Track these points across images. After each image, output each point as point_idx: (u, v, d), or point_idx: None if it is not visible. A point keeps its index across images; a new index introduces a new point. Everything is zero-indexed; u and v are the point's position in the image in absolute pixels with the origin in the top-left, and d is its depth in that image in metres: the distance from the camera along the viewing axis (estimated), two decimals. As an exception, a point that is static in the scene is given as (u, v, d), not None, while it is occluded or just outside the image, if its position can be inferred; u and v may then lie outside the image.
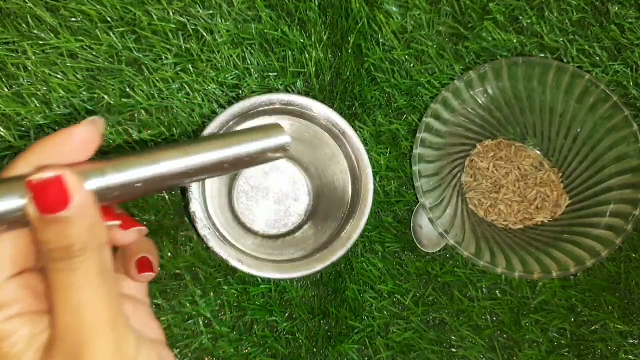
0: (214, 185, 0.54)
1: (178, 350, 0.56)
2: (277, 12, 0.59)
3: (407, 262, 0.59)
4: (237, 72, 0.58)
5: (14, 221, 0.29)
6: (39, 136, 0.56)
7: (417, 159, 0.55)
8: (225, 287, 0.57)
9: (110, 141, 0.57)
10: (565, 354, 0.58)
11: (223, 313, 0.57)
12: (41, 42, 0.57)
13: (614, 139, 0.55)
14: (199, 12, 0.58)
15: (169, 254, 0.56)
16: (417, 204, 0.59)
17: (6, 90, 0.56)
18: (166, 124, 0.58)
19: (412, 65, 0.60)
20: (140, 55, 0.58)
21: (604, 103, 0.55)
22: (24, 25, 0.57)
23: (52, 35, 0.57)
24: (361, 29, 0.59)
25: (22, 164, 0.30)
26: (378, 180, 0.59)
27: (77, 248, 0.28)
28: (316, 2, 0.59)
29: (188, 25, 0.58)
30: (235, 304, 0.57)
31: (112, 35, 0.57)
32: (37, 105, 0.57)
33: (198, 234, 0.51)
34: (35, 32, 0.57)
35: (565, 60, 0.60)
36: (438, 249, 0.58)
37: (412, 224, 0.58)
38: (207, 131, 0.52)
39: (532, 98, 0.58)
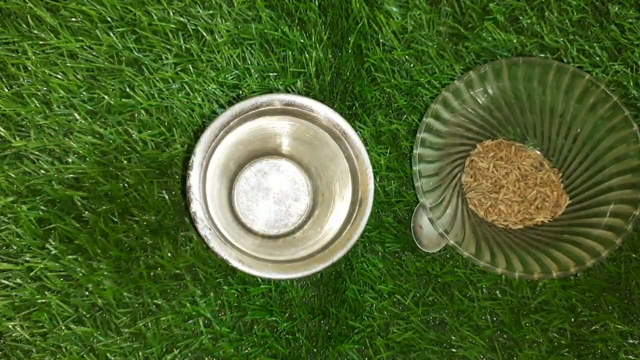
0: (214, 186, 0.54)
1: (178, 350, 0.56)
2: (277, 12, 0.59)
3: (407, 262, 0.59)
4: (237, 72, 0.58)
5: None
6: (39, 136, 0.56)
7: (417, 159, 0.55)
8: (225, 287, 0.57)
9: (110, 141, 0.57)
10: (565, 354, 0.58)
11: (223, 313, 0.57)
12: (41, 42, 0.57)
13: (614, 139, 0.55)
14: (199, 12, 0.58)
15: (169, 254, 0.56)
16: (417, 204, 0.59)
17: (6, 90, 0.56)
18: (166, 124, 0.58)
19: (412, 65, 0.60)
20: (140, 55, 0.58)
21: (604, 103, 0.55)
22: (24, 25, 0.57)
23: (52, 35, 0.57)
24: (361, 29, 0.59)
25: None
26: (378, 180, 0.59)
27: None
28: (316, 2, 0.59)
29: (188, 25, 0.58)
30: (235, 304, 0.57)
31: (112, 35, 0.57)
32: (37, 105, 0.57)
33: (198, 234, 0.51)
34: (35, 32, 0.57)
35: (565, 60, 0.60)
36: (438, 249, 0.58)
37: (412, 224, 0.59)
38: (207, 131, 0.52)
39: (532, 98, 0.58)
